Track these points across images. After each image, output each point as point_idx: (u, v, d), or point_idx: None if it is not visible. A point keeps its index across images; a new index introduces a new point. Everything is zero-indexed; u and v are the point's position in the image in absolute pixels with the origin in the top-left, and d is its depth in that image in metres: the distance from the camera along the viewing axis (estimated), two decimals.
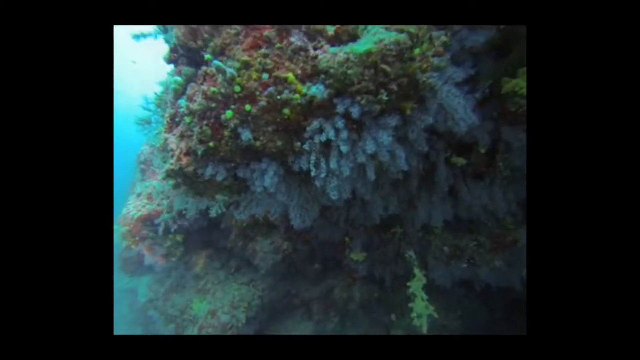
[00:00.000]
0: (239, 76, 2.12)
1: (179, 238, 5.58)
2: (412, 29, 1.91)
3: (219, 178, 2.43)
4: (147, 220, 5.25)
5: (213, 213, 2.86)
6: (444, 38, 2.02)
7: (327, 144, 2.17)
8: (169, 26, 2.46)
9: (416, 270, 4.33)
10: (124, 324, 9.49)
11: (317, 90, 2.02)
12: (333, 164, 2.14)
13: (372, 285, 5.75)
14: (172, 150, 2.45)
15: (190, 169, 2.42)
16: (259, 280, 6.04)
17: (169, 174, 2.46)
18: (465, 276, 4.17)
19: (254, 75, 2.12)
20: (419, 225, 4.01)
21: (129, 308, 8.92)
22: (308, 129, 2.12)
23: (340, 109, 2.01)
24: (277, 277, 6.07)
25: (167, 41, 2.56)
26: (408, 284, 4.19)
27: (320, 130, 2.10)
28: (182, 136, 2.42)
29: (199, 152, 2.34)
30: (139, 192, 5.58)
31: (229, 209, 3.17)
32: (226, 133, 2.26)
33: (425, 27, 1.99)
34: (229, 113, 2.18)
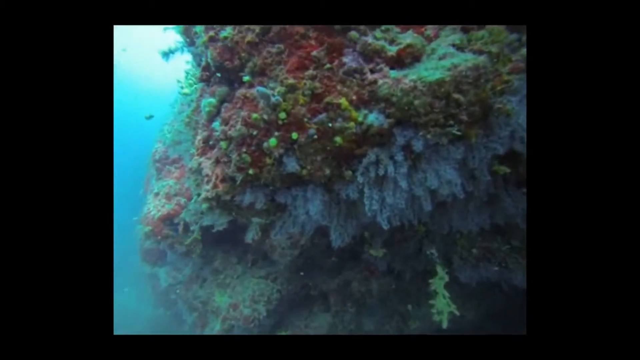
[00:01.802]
0: (284, 101, 1.89)
1: (197, 236, 5.53)
2: (494, 48, 1.65)
3: (257, 206, 2.27)
4: (167, 220, 5.17)
5: (249, 238, 2.74)
6: (525, 51, 1.74)
7: (382, 176, 1.98)
8: (196, 39, 2.17)
9: (439, 268, 4.29)
10: (149, 304, 9.96)
11: (375, 119, 1.80)
12: (389, 198, 1.98)
13: (389, 277, 5.78)
14: (207, 175, 2.27)
15: (227, 196, 2.25)
16: (277, 273, 6.07)
17: (205, 201, 2.29)
18: (496, 279, 4.15)
19: (301, 99, 1.89)
20: (448, 230, 3.91)
21: (152, 290, 9.26)
22: (364, 160, 1.92)
23: (400, 140, 1.81)
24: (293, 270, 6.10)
25: (192, 54, 2.28)
26: (430, 280, 4.17)
27: (377, 162, 1.91)
28: (217, 161, 2.22)
29: (237, 180, 2.16)
30: (157, 191, 5.45)
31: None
32: (268, 161, 2.07)
33: (502, 39, 1.73)
34: (272, 142, 1.97)
